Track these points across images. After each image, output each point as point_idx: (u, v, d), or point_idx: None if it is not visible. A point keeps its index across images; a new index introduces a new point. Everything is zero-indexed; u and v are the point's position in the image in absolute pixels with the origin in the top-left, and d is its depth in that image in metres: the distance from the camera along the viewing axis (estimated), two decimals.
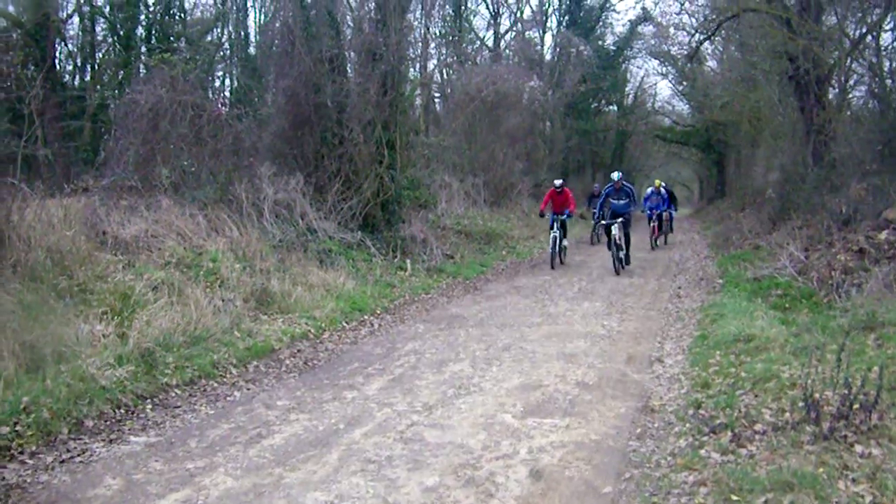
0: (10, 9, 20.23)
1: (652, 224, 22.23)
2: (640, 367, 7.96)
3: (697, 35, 24.59)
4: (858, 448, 4.82)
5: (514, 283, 14.44)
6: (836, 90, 18.74)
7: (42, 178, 11.48)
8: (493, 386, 7.24)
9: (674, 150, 54.14)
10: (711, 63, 36.47)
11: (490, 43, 34.81)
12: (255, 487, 4.89)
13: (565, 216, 16.88)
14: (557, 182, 17.51)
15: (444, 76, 27.86)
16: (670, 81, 45.99)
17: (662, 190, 22.85)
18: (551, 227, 16.93)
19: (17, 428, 5.50)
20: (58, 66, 21.25)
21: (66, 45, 22.29)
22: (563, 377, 7.53)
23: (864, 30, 16.28)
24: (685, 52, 30.02)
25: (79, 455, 5.42)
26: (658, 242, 22.59)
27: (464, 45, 29.90)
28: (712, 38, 25.03)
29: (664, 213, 23.05)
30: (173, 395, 6.91)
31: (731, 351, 7.88)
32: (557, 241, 16.99)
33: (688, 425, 5.81)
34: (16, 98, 10.64)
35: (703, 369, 7.42)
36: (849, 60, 17.31)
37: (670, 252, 21.20)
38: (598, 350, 8.74)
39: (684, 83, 42.57)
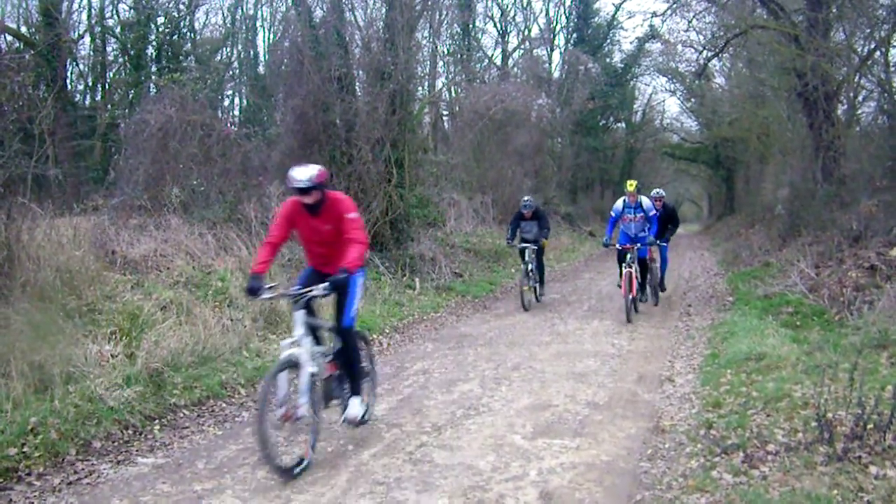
0: (23, 29, 20.46)
1: (626, 271, 12.06)
2: (651, 387, 7.91)
3: (705, 52, 24.70)
4: (873, 469, 4.76)
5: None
6: (845, 106, 18.74)
7: (52, 197, 11.50)
8: (503, 406, 7.20)
9: (682, 166, 54.27)
10: (719, 80, 36.65)
11: (498, 61, 34.94)
12: None
13: (341, 277, 5.69)
14: (301, 176, 5.68)
15: (453, 94, 27.90)
16: (678, 98, 46.16)
17: (646, 202, 12.74)
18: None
19: (25, 449, 5.48)
20: (69, 86, 21.45)
21: (77, 65, 22.51)
22: (572, 397, 7.48)
23: (872, 46, 16.27)
24: (693, 69, 30.15)
25: (86, 476, 5.40)
26: (639, 306, 12.88)
27: (472, 63, 29.96)
28: (720, 55, 25.08)
29: (651, 248, 13.16)
30: (181, 415, 6.90)
31: (742, 370, 7.83)
32: (295, 365, 5.62)
33: (699, 446, 5.76)
34: (27, 118, 10.69)
35: (714, 388, 7.37)
36: (857, 76, 17.32)
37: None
38: (608, 369, 8.68)
39: (692, 100, 42.66)
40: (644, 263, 12.91)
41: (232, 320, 9.14)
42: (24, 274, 7.75)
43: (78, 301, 8.10)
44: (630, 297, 12.04)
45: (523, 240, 13.99)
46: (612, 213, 13.02)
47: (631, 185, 12.85)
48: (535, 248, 13.75)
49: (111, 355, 7.28)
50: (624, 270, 12.19)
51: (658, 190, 14.36)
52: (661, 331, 11.20)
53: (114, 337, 7.67)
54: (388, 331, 11.31)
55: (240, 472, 5.50)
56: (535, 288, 14.06)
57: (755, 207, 30.60)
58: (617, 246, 12.67)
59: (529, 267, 13.72)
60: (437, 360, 9.30)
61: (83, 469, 5.52)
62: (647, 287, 13.65)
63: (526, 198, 14.44)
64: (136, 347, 7.49)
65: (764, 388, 6.89)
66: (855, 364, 5.66)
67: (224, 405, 7.34)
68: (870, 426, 5.09)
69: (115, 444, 6.06)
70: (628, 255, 12.22)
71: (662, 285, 14.27)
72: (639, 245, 12.50)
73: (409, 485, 5.20)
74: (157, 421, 6.63)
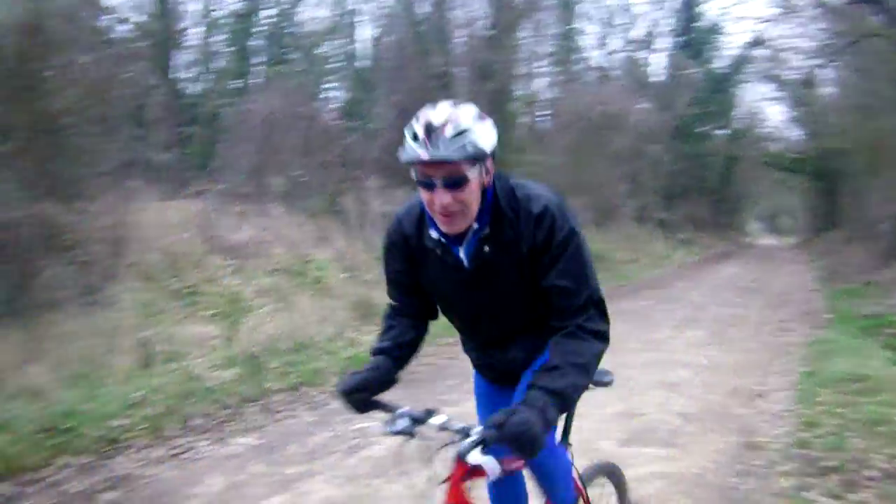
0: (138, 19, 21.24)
1: None
2: (743, 401, 7.74)
3: (814, 60, 23.96)
4: None
5: (615, 307, 14.24)
6: None
7: (160, 181, 11.95)
8: (593, 411, 7.15)
9: (780, 177, 52.68)
10: (828, 88, 35.42)
11: (598, 63, 34.57)
12: (352, 498, 4.95)
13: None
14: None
15: (551, 95, 27.73)
16: (783, 107, 44.78)
17: None
18: None
19: (129, 421, 5.72)
20: (177, 75, 22.11)
21: (185, 54, 23.16)
22: (663, 406, 7.39)
23: None
24: (800, 77, 29.28)
25: (184, 452, 5.61)
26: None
27: (571, 64, 29.72)
28: (830, 63, 24.30)
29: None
30: (276, 399, 7.08)
31: (840, 390, 7.58)
32: None
33: (793, 465, 5.61)
34: (139, 105, 11.15)
35: (809, 407, 7.16)
36: None
37: None
38: (700, 381, 8.53)
39: (798, 109, 41.39)
40: None
41: (328, 310, 9.32)
42: (132, 254, 8.08)
43: (181, 283, 8.39)
44: None
45: None
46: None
47: None
48: None
49: (211, 337, 7.54)
50: None
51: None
52: (752, 345, 10.92)
53: (214, 319, 7.93)
54: None
55: (330, 459, 5.62)
56: None
57: (859, 223, 29.56)
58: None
59: None
60: None
61: (181, 444, 5.74)
62: None
63: None
64: (235, 331, 7.72)
65: (864, 410, 6.68)
66: None
67: (316, 392, 7.49)
68: None
69: (213, 422, 6.27)
70: None
71: None
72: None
73: None
74: (252, 403, 6.83)
